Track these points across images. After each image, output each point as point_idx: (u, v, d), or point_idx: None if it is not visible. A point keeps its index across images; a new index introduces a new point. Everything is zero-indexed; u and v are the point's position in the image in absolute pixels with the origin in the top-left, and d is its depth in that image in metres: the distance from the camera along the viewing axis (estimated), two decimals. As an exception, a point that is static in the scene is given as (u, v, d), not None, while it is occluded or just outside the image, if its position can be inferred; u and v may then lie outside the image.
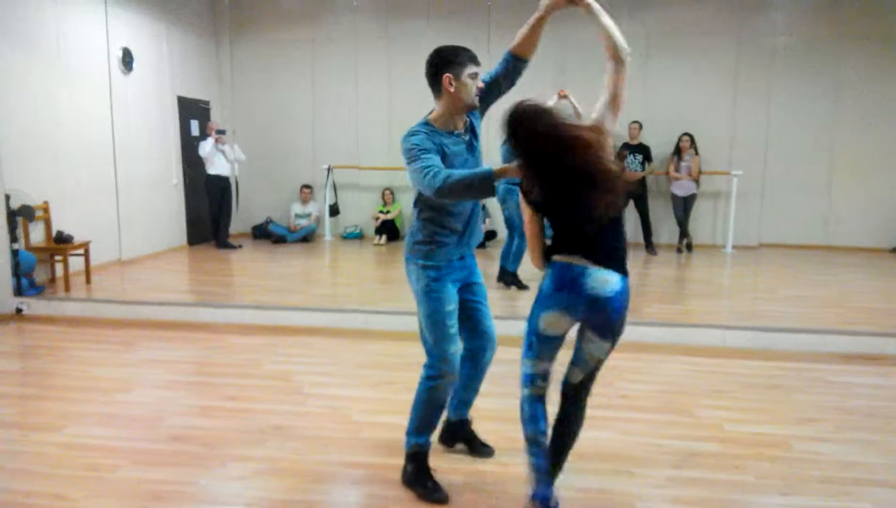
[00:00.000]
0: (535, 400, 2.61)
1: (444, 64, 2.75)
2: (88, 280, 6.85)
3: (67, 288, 6.49)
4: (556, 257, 2.53)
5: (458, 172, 2.57)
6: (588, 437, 3.23)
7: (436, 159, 2.64)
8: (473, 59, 2.80)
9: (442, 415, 3.01)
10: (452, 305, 2.84)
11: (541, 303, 2.53)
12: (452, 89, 2.74)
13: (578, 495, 2.92)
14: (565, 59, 9.64)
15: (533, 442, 2.60)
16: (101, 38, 7.70)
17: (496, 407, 3.55)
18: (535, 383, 2.60)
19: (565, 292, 2.47)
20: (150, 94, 8.66)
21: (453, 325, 2.83)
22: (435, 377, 2.87)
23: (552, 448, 2.64)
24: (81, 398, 4.03)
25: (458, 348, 2.87)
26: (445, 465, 3.10)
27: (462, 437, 3.27)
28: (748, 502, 2.91)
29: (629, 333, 4.94)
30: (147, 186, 8.58)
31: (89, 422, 3.69)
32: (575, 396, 2.65)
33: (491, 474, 3.09)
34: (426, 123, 2.80)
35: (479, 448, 3.24)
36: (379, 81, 10.19)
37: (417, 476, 2.93)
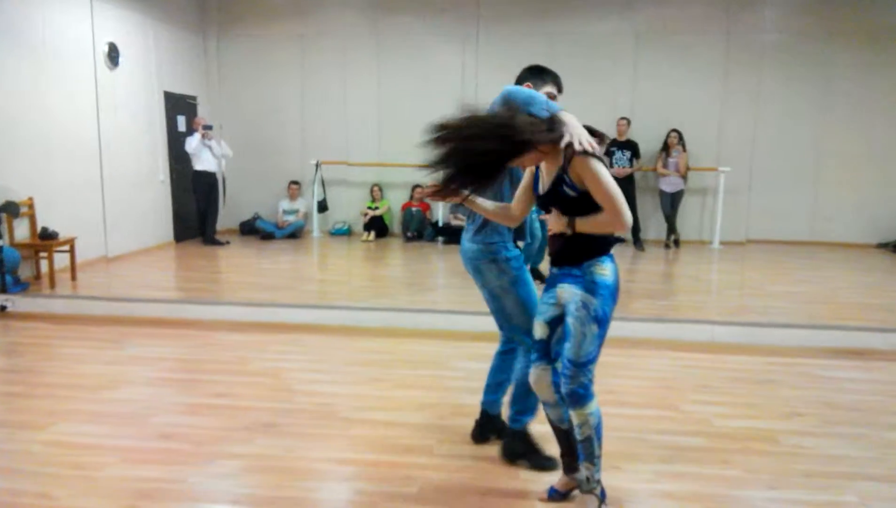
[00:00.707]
0: None
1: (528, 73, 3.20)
2: (74, 277, 6.80)
3: (53, 285, 6.44)
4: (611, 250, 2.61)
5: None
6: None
7: None
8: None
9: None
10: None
11: (614, 297, 2.58)
12: None
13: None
14: (554, 52, 9.66)
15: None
16: (87, 33, 7.63)
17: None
18: None
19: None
20: (136, 89, 8.59)
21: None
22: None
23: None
24: (68, 396, 4.00)
25: None
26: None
27: (494, 430, 3.28)
28: (735, 496, 2.92)
29: (617, 328, 4.96)
30: (133, 182, 8.52)
31: (76, 420, 3.66)
32: None
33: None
34: None
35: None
36: (368, 76, 10.16)
37: (531, 449, 3.10)
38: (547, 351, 2.71)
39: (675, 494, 2.93)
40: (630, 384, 4.27)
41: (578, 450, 2.64)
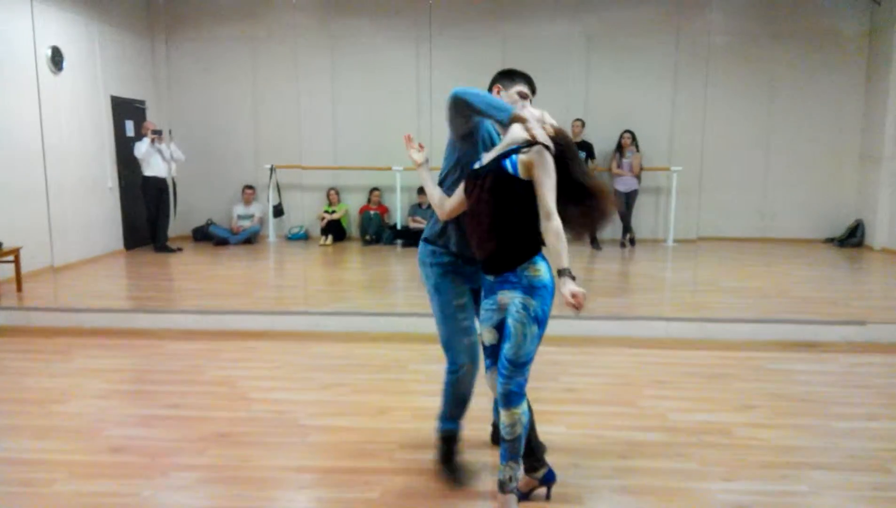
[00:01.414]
0: None
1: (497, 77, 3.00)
2: (20, 288, 6.57)
3: (-3, 297, 6.23)
4: (542, 250, 2.61)
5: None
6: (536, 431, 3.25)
7: None
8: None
9: (468, 404, 3.01)
10: (463, 299, 2.91)
11: (552, 294, 2.59)
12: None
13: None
14: (507, 55, 9.73)
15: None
16: (28, 37, 7.40)
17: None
18: None
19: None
20: (81, 94, 8.37)
21: (465, 318, 2.89)
22: (453, 370, 2.92)
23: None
24: (14, 411, 3.87)
25: (472, 339, 2.89)
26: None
27: None
28: (692, 489, 2.97)
29: (574, 327, 5.00)
30: (80, 189, 8.28)
31: (23, 435, 3.54)
32: None
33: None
34: None
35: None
36: (321, 79, 10.07)
37: (444, 457, 3.05)
38: (498, 354, 2.71)
39: (632, 489, 2.96)
40: (588, 382, 4.31)
41: (503, 449, 2.62)
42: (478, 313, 2.87)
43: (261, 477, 3.08)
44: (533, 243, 2.59)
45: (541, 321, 2.56)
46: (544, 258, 2.62)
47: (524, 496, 2.85)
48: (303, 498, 2.94)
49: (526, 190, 2.53)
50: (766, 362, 4.75)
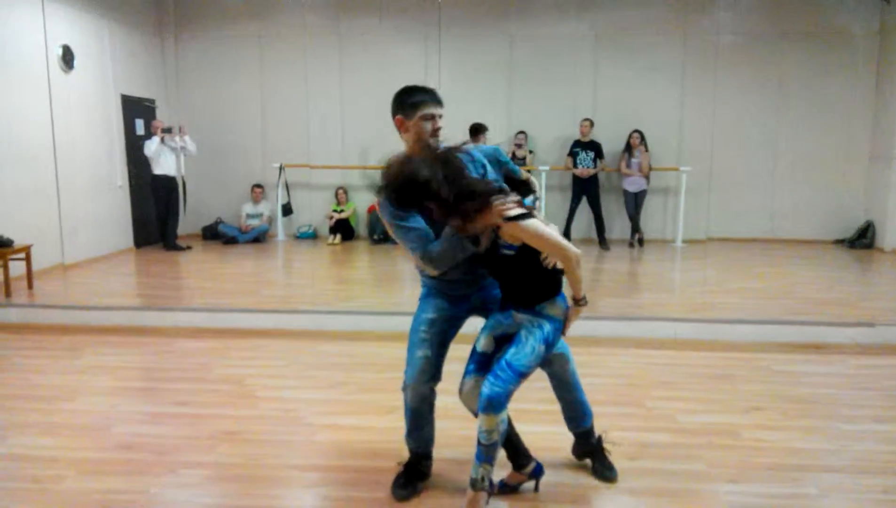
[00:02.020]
0: None
1: (394, 105, 2.82)
2: (30, 285, 6.62)
3: (8, 294, 6.26)
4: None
5: (438, 246, 2.60)
6: (542, 432, 3.27)
7: (419, 222, 2.64)
8: (434, 102, 2.77)
9: (423, 426, 2.97)
10: (434, 315, 2.85)
11: (560, 328, 2.68)
12: (404, 131, 2.81)
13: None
14: (515, 53, 9.71)
15: None
16: (40, 36, 7.44)
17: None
18: None
19: None
20: (92, 92, 8.41)
21: (426, 331, 2.83)
22: (403, 386, 2.91)
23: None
24: (24, 408, 3.89)
25: (427, 354, 2.82)
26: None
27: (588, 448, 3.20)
28: (700, 490, 2.96)
29: (582, 327, 4.99)
30: (91, 187, 8.33)
31: (33, 432, 3.57)
32: None
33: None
34: None
35: (599, 470, 3.10)
36: (330, 78, 10.09)
37: (403, 467, 3.00)
38: (486, 365, 2.72)
39: (641, 490, 2.96)
40: (595, 382, 4.29)
41: (478, 451, 2.62)
42: (446, 339, 2.85)
43: (268, 475, 3.09)
44: (553, 283, 2.65)
45: (548, 345, 2.62)
46: (564, 298, 2.68)
47: (513, 488, 2.91)
48: (310, 497, 2.95)
49: (530, 249, 2.56)
50: (775, 363, 4.73)
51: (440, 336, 2.85)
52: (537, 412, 3.52)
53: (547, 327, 2.61)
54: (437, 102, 2.76)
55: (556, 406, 3.24)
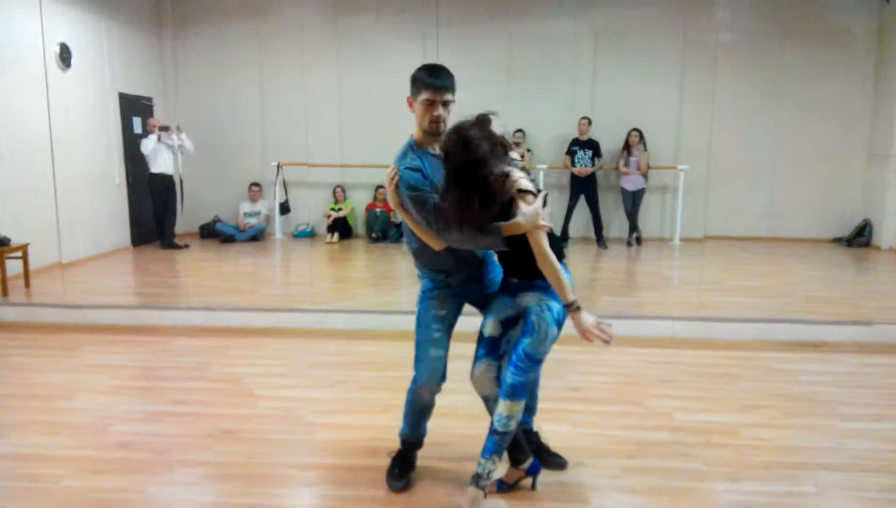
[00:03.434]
0: None
1: (410, 82, 2.70)
2: (28, 284, 6.60)
3: (5, 292, 6.24)
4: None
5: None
6: (542, 430, 3.26)
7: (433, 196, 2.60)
8: (433, 87, 2.63)
9: (427, 416, 3.00)
10: (443, 311, 2.83)
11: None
12: (412, 110, 2.73)
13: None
14: (513, 52, 9.71)
15: None
16: (37, 34, 7.42)
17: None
18: None
19: None
20: (89, 90, 8.39)
21: (438, 330, 2.82)
22: (413, 385, 2.91)
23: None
24: (22, 407, 3.89)
25: (439, 354, 2.82)
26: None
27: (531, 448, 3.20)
28: (698, 489, 2.96)
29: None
30: (88, 185, 8.31)
31: (30, 431, 3.56)
32: None
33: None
34: (412, 145, 2.74)
35: (547, 460, 3.12)
36: (328, 76, 10.08)
37: (394, 459, 3.03)
38: (495, 348, 2.75)
39: (638, 488, 2.96)
40: (594, 381, 4.30)
41: (490, 442, 2.63)
42: (451, 335, 2.86)
43: (266, 474, 3.09)
44: (560, 253, 2.63)
45: (560, 325, 2.64)
46: (566, 269, 2.63)
47: (511, 486, 2.91)
48: (308, 495, 2.95)
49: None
50: (773, 362, 4.74)
51: (449, 333, 2.87)
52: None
53: (556, 306, 2.62)
54: (440, 87, 2.63)
55: (551, 405, 3.25)
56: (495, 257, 2.91)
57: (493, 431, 2.63)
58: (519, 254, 2.60)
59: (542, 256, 2.50)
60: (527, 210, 2.48)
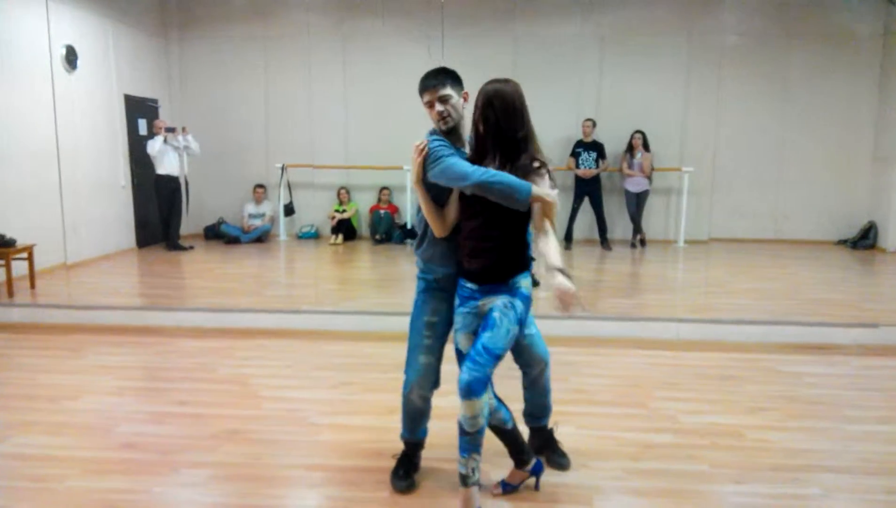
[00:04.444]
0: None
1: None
2: (33, 285, 6.63)
3: (11, 293, 6.27)
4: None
5: (503, 175, 2.50)
6: (557, 427, 3.26)
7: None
8: (426, 88, 2.76)
9: (423, 420, 3.03)
10: (435, 318, 2.84)
11: (528, 309, 2.67)
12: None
13: (535, 489, 2.93)
14: (519, 54, 9.71)
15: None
16: (43, 35, 7.45)
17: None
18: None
19: None
20: (95, 92, 8.42)
21: (430, 336, 2.84)
22: (404, 389, 2.94)
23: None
24: (27, 407, 3.90)
25: (430, 360, 2.85)
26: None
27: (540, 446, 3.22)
28: (703, 491, 2.96)
29: (585, 327, 4.98)
30: (93, 187, 8.34)
31: (36, 431, 3.57)
32: None
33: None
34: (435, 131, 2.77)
35: (551, 458, 3.16)
36: (333, 78, 10.09)
37: (398, 460, 3.06)
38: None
39: (644, 491, 2.95)
40: (598, 383, 4.30)
41: (463, 442, 2.62)
42: (445, 341, 2.88)
43: (271, 475, 3.09)
44: (525, 259, 2.66)
45: (521, 324, 2.63)
46: (530, 275, 2.69)
47: (514, 487, 2.91)
48: (313, 496, 2.95)
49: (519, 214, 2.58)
50: (778, 364, 4.72)
51: (441, 340, 2.87)
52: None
53: (520, 306, 2.61)
54: (432, 86, 2.73)
55: (556, 407, 3.25)
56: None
57: (462, 433, 2.61)
58: (499, 251, 2.60)
59: (552, 230, 2.53)
60: (552, 192, 2.54)
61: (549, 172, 2.59)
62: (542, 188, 2.52)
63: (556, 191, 2.56)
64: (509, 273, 2.62)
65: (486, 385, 2.58)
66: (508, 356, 3.11)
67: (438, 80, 2.75)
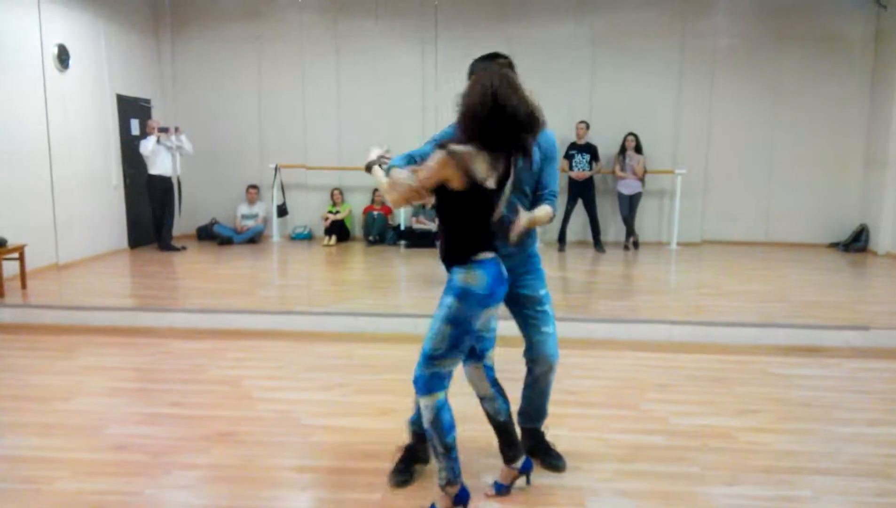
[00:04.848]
0: (447, 402, 2.64)
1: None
2: (24, 285, 6.59)
3: (2, 294, 6.23)
4: (482, 255, 2.57)
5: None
6: (548, 430, 3.26)
7: None
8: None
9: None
10: None
11: (480, 302, 2.53)
12: None
13: (527, 490, 2.93)
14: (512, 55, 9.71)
15: (454, 448, 2.65)
16: (35, 35, 7.42)
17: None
18: (447, 382, 2.64)
19: (503, 286, 2.61)
20: (87, 92, 8.39)
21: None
22: None
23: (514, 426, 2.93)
24: (17, 408, 3.88)
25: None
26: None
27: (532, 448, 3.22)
28: (694, 493, 2.97)
29: (577, 329, 4.99)
30: (85, 187, 8.30)
31: (26, 433, 3.55)
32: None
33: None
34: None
35: (545, 460, 3.17)
36: (327, 79, 10.08)
37: (402, 453, 3.07)
38: (471, 352, 2.77)
39: (635, 493, 2.96)
40: (590, 385, 4.31)
41: (432, 448, 2.67)
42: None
43: (263, 477, 3.08)
44: (469, 249, 2.55)
45: (455, 323, 2.52)
46: (487, 270, 2.55)
47: (507, 487, 2.91)
48: (305, 498, 2.95)
49: (461, 195, 2.49)
50: (769, 366, 4.74)
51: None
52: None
53: (448, 300, 2.54)
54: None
55: (552, 409, 3.25)
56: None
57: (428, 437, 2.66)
58: (446, 234, 2.62)
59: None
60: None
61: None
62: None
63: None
64: (454, 260, 2.58)
65: (424, 385, 2.58)
66: (512, 354, 3.13)
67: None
